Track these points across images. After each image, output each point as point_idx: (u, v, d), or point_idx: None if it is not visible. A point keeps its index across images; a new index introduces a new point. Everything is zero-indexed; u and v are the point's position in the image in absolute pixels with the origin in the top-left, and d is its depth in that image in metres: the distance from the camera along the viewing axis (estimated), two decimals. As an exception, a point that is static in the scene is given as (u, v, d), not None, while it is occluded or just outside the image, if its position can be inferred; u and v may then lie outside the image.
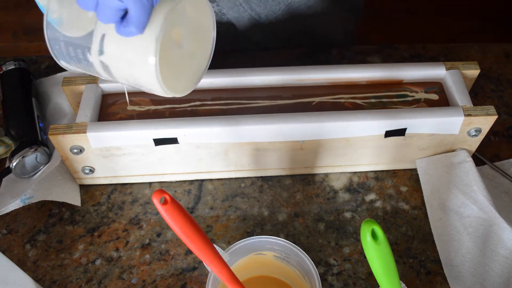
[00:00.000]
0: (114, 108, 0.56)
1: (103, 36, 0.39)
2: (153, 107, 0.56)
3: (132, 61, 0.40)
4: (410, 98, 0.57)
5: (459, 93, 0.56)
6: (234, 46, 0.75)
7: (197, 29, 0.43)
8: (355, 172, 0.60)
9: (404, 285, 0.43)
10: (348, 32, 0.80)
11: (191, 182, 0.60)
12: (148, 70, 0.39)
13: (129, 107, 0.56)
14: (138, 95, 0.57)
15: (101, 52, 0.40)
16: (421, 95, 0.58)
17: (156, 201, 0.38)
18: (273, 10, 0.68)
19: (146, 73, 0.40)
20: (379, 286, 0.41)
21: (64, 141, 0.53)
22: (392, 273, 0.39)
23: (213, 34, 0.44)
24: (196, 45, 0.44)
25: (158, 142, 0.54)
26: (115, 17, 0.37)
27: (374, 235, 0.38)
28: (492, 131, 0.64)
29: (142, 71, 0.40)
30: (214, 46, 0.45)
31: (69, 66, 0.43)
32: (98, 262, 0.54)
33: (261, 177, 0.60)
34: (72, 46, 0.41)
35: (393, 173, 0.60)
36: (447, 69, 0.58)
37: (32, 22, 1.81)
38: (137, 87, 0.44)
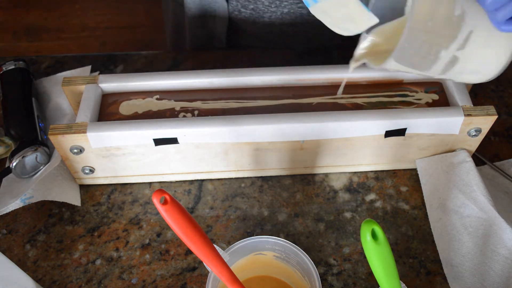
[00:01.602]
0: (114, 108, 0.56)
1: (470, 32, 0.42)
2: (154, 108, 0.56)
3: (488, 57, 0.43)
4: (410, 98, 0.57)
5: (459, 93, 0.56)
6: (248, 43, 0.75)
7: None
8: (355, 172, 0.60)
9: (404, 285, 0.43)
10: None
11: (191, 182, 0.60)
12: (499, 65, 0.43)
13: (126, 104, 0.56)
14: (139, 95, 0.57)
15: (462, 46, 0.42)
16: (421, 95, 0.58)
17: (156, 201, 0.38)
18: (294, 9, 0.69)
19: (492, 67, 0.44)
20: (379, 286, 0.41)
21: (64, 141, 0.53)
22: (392, 273, 0.39)
23: None
24: None
25: (158, 142, 0.54)
26: None
27: (374, 235, 0.38)
28: (492, 131, 0.64)
29: (492, 63, 0.43)
30: None
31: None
32: (98, 262, 0.54)
33: (261, 177, 0.60)
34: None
35: (393, 173, 0.60)
36: (447, 69, 0.58)
37: (32, 22, 1.81)
38: (454, 78, 0.45)
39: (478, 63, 0.44)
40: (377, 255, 0.39)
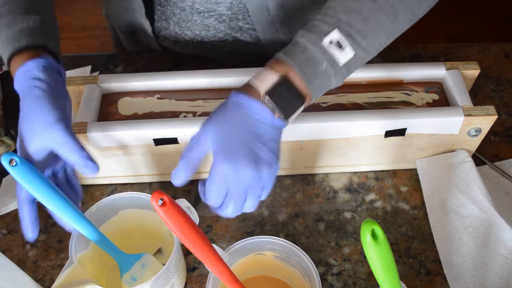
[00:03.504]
0: (114, 108, 0.56)
1: None
2: (155, 110, 0.56)
3: None
4: (410, 98, 0.57)
5: (459, 93, 0.56)
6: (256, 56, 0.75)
7: None
8: (355, 172, 0.60)
9: (404, 285, 0.43)
10: None
11: (191, 182, 0.60)
12: None
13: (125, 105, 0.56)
14: (139, 95, 0.57)
15: None
16: (421, 95, 0.58)
17: (154, 203, 0.38)
18: None
19: None
20: (379, 286, 0.41)
21: (64, 141, 0.52)
22: (392, 273, 0.39)
23: None
24: None
25: (158, 142, 0.53)
26: None
27: (374, 235, 0.38)
28: (492, 131, 0.64)
29: None
30: None
31: None
32: (98, 262, 0.54)
33: (261, 177, 0.60)
34: None
35: (393, 173, 0.60)
36: (447, 69, 0.58)
37: (32, 22, 1.81)
38: None
39: None
40: (377, 255, 0.39)
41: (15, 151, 0.57)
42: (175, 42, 0.70)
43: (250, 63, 0.59)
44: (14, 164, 0.38)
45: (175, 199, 0.48)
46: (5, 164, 0.38)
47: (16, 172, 0.38)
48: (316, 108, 0.56)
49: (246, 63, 0.67)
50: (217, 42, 0.69)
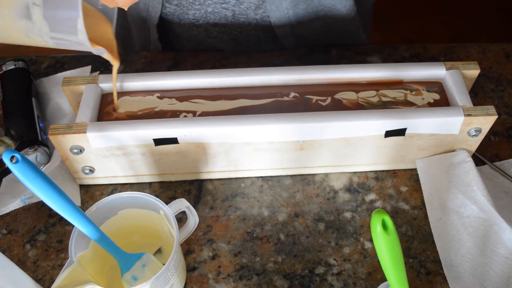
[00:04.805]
0: (113, 107, 0.56)
1: None
2: (155, 110, 0.56)
3: None
4: (410, 98, 0.57)
5: (459, 93, 0.56)
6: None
7: None
8: (355, 172, 0.60)
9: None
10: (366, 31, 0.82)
11: (191, 182, 0.60)
12: None
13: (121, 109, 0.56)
14: (139, 94, 0.57)
15: None
16: (422, 94, 0.57)
17: (6, 160, 0.37)
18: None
19: None
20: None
21: (64, 141, 0.53)
22: (400, 264, 0.40)
23: None
24: None
25: (158, 142, 0.54)
26: None
27: (384, 226, 0.38)
28: (492, 131, 0.64)
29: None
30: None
31: None
32: (98, 262, 0.54)
33: (261, 177, 0.60)
34: None
35: (393, 173, 0.60)
36: (447, 69, 0.58)
37: (32, 22, 1.81)
38: None
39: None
40: (387, 245, 0.38)
41: (15, 151, 0.57)
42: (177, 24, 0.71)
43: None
44: (15, 161, 0.38)
45: (175, 199, 0.49)
46: (6, 161, 0.38)
47: (17, 169, 0.38)
48: (316, 108, 0.56)
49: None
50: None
